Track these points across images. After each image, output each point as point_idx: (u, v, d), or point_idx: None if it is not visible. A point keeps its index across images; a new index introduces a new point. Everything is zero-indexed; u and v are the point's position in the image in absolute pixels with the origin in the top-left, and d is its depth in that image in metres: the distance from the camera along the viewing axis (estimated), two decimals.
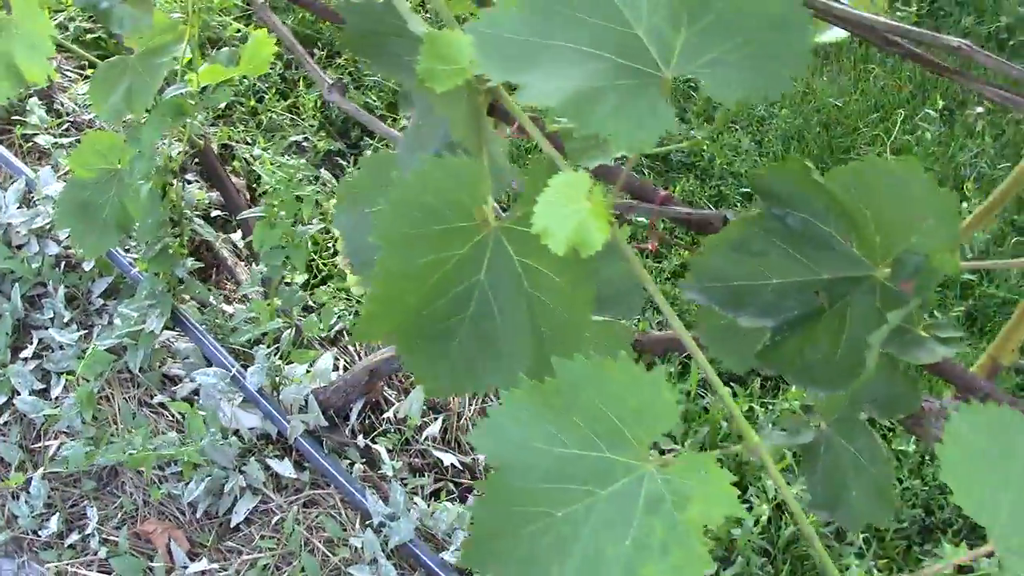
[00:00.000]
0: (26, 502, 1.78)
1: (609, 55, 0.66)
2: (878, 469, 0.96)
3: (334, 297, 2.19)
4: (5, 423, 1.90)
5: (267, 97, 2.75)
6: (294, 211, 1.85)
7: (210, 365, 1.96)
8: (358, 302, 2.22)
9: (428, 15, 2.83)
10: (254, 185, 2.49)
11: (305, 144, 2.66)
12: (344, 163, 2.65)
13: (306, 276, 2.21)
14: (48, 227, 2.12)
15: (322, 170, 2.52)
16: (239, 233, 2.33)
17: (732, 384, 2.17)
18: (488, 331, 0.75)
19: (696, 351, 0.74)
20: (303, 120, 2.72)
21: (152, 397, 1.94)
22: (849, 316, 0.87)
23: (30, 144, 2.36)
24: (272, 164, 1.94)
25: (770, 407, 2.13)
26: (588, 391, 0.63)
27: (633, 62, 0.66)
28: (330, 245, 2.40)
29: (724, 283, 0.89)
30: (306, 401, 1.85)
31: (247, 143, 2.64)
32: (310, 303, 2.14)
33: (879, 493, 0.96)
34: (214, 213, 2.34)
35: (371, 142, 2.70)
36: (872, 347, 0.81)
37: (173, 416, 1.91)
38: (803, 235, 0.88)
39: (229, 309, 2.09)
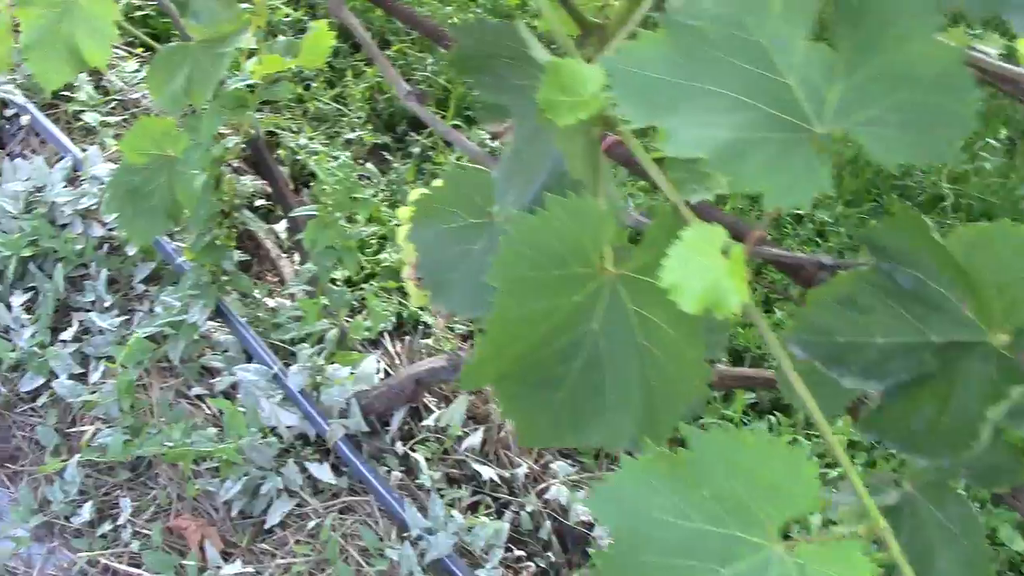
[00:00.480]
0: (60, 487, 1.76)
1: (758, 104, 0.62)
2: (971, 541, 0.92)
3: (378, 296, 2.15)
4: (42, 405, 1.87)
5: (314, 85, 2.72)
6: (348, 210, 1.81)
7: (250, 359, 1.92)
8: (401, 303, 2.18)
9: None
10: (299, 175, 2.46)
11: (351, 137, 2.62)
12: (390, 157, 2.61)
13: (349, 273, 2.17)
14: (94, 208, 2.09)
15: (368, 164, 2.49)
16: (283, 223, 2.29)
17: (776, 412, 2.13)
18: (596, 383, 0.71)
19: (809, 399, 0.70)
20: (350, 112, 2.69)
21: (190, 388, 1.91)
22: (959, 383, 0.83)
23: (80, 123, 2.33)
24: (327, 161, 1.90)
25: (815, 438, 2.08)
26: (720, 463, 0.59)
27: (784, 113, 0.62)
28: (372, 242, 2.36)
29: (828, 338, 0.85)
30: (348, 405, 1.82)
31: (293, 131, 2.60)
32: (353, 302, 2.10)
33: (972, 568, 0.92)
34: (258, 202, 2.31)
35: (417, 137, 2.66)
36: (988, 421, 0.76)
37: (210, 409, 1.88)
38: (913, 294, 0.84)
39: (271, 303, 2.06)
